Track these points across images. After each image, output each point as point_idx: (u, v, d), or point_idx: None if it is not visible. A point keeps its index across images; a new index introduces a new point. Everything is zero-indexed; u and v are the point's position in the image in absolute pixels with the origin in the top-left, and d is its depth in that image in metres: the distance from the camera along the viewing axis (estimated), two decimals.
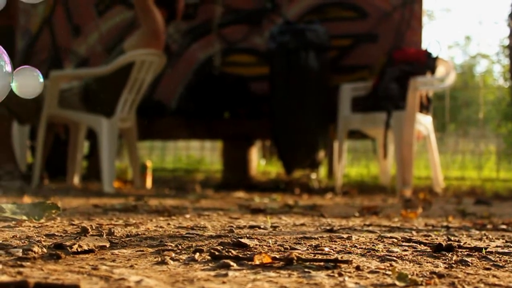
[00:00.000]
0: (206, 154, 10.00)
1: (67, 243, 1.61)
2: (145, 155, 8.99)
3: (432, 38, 15.19)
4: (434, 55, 5.41)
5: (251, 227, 2.32)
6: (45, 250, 1.56)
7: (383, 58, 5.65)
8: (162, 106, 6.39)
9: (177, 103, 6.42)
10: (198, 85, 6.27)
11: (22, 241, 1.73)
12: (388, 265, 1.53)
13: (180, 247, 1.72)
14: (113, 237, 1.89)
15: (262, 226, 2.33)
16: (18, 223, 2.19)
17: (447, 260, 1.63)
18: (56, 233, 1.95)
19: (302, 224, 2.49)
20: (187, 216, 2.74)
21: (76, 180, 5.31)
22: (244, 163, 6.35)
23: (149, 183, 5.66)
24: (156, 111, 6.25)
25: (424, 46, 5.83)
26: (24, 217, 2.27)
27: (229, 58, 6.44)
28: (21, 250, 1.53)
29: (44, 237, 1.86)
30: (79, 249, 1.56)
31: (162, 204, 3.49)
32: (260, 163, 9.10)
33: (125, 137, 5.32)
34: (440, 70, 5.41)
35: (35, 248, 1.54)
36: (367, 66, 5.93)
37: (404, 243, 1.94)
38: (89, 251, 1.58)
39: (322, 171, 7.15)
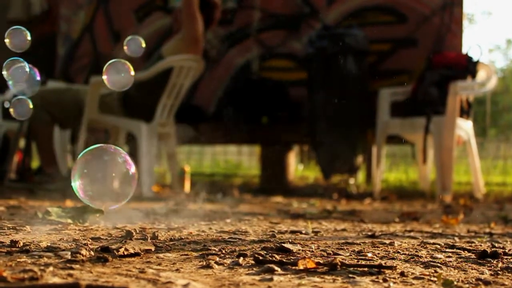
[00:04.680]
0: (244, 159, 10.01)
1: (113, 247, 1.64)
2: (183, 160, 9.06)
3: (473, 42, 14.99)
4: (474, 59, 5.34)
5: (293, 232, 2.33)
6: (92, 253, 1.59)
7: (422, 63, 5.60)
8: (201, 111, 6.42)
9: (215, 108, 6.45)
10: (236, 90, 6.29)
11: (70, 244, 1.77)
12: (433, 271, 1.52)
13: (223, 251, 1.73)
14: (157, 241, 1.92)
15: (303, 231, 2.33)
16: (64, 226, 2.24)
17: (492, 267, 1.62)
18: (102, 237, 1.99)
19: (343, 230, 2.48)
20: (228, 220, 2.76)
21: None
22: (282, 168, 6.35)
23: (187, 187, 5.69)
24: (195, 116, 6.29)
25: (465, 50, 5.76)
26: (69, 221, 2.31)
27: (267, 63, 6.45)
28: (69, 253, 1.57)
29: (90, 240, 1.89)
30: (125, 253, 1.59)
31: (202, 208, 3.51)
32: (298, 168, 9.09)
33: (164, 141, 5.37)
34: (480, 74, 5.34)
35: (83, 251, 1.57)
36: (407, 70, 5.88)
37: (447, 249, 1.92)
38: (135, 254, 1.61)
39: (360, 176, 7.11)
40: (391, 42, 6.01)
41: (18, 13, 7.45)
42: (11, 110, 1.91)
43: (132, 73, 1.89)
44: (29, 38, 1.88)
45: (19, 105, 1.89)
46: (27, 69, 1.85)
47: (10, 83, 1.86)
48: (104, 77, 1.89)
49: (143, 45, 2.09)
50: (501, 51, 24.09)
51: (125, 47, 2.09)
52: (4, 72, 1.84)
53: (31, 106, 1.91)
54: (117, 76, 1.86)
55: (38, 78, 1.89)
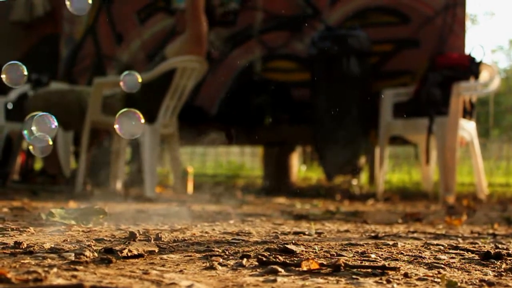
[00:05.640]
0: (247, 160, 10.01)
1: (117, 248, 1.64)
2: (186, 161, 9.06)
3: (476, 43, 14.97)
4: (477, 59, 5.33)
5: (296, 233, 2.33)
6: (96, 254, 1.59)
7: (425, 63, 5.59)
8: (203, 112, 6.42)
9: (218, 109, 6.45)
10: (239, 91, 6.29)
11: (73, 245, 1.77)
12: (436, 272, 1.52)
13: (227, 252, 1.73)
14: (161, 242, 1.92)
15: (306, 232, 2.33)
16: (67, 227, 2.24)
17: (496, 268, 1.62)
18: (105, 238, 1.99)
19: (346, 231, 2.48)
20: (231, 221, 2.76)
21: (118, 185, 5.38)
22: (284, 169, 6.35)
23: (190, 188, 5.69)
24: (197, 117, 6.29)
25: (467, 50, 5.75)
26: (73, 222, 2.32)
27: (269, 64, 6.45)
28: (73, 254, 1.57)
29: (93, 241, 1.89)
30: (129, 254, 1.59)
31: (205, 209, 3.51)
32: (300, 169, 9.09)
33: (166, 143, 5.37)
34: (483, 75, 5.34)
35: (87, 252, 1.57)
36: (409, 71, 5.88)
37: (451, 251, 1.92)
38: (139, 255, 1.61)
39: (363, 177, 7.10)
40: (394, 43, 6.01)
41: (21, 15, 7.47)
42: (30, 147, 1.93)
43: (143, 121, 1.94)
44: (25, 73, 1.89)
45: (39, 142, 1.90)
46: (53, 122, 1.87)
47: (25, 131, 1.87)
48: (116, 126, 1.94)
49: (140, 80, 2.12)
50: (504, 52, 24.09)
51: (121, 83, 2.12)
52: (33, 127, 1.86)
53: (51, 143, 1.93)
54: (129, 125, 1.93)
55: (54, 126, 1.91)
